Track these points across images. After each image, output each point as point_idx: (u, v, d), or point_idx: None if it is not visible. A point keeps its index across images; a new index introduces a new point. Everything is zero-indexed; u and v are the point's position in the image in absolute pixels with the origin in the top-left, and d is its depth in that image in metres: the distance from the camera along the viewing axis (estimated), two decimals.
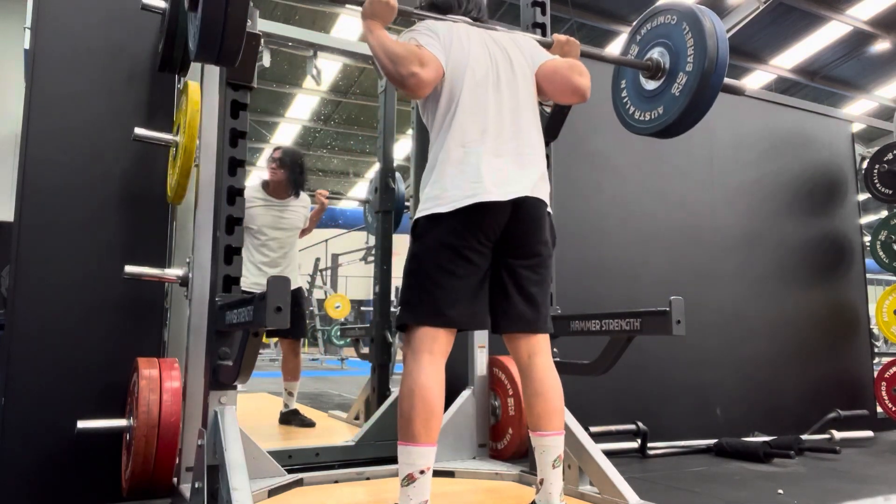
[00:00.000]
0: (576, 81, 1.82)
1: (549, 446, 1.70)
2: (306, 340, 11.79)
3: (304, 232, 3.81)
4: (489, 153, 1.72)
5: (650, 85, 2.26)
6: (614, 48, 11.42)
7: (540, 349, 1.78)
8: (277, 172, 3.57)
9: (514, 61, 1.85)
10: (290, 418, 3.60)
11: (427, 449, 1.57)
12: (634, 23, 2.35)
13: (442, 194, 1.69)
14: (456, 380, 2.83)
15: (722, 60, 2.00)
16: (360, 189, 17.57)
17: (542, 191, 1.79)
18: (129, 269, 2.20)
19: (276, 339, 11.46)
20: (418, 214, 1.75)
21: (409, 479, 1.55)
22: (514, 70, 1.84)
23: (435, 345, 1.66)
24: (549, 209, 1.82)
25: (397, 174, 3.78)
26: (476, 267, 1.69)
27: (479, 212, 1.66)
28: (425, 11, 1.91)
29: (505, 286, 1.76)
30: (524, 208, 1.72)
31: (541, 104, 2.48)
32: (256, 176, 3.71)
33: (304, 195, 3.73)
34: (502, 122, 1.77)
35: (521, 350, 1.79)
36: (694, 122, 2.15)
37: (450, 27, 1.82)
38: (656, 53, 2.22)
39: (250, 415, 3.48)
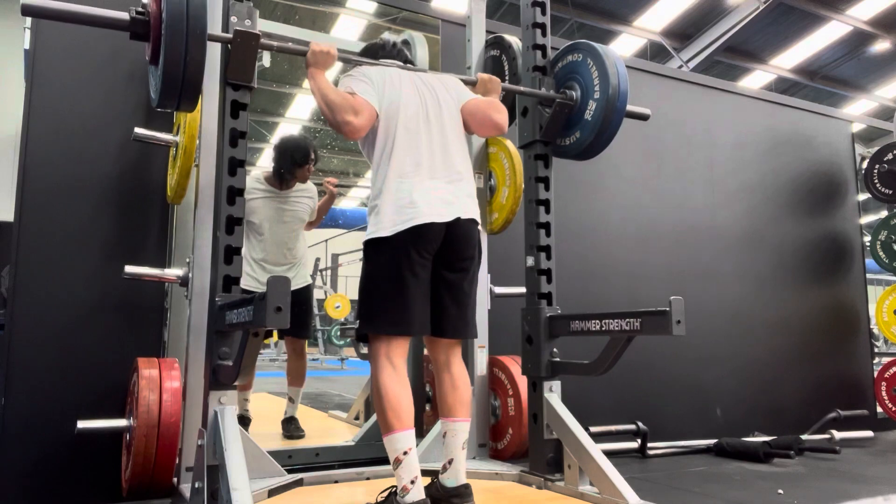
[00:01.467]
0: (495, 118, 2.09)
1: (460, 430, 1.96)
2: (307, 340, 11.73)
3: (310, 224, 3.48)
4: (423, 182, 1.94)
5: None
6: (615, 48, 11.40)
7: (457, 350, 2.04)
8: (311, 169, 3.30)
9: (441, 99, 2.08)
10: (285, 427, 3.30)
11: (402, 434, 1.79)
12: (555, 54, 2.57)
13: (384, 220, 1.90)
14: None
15: (623, 89, 2.32)
16: (361, 189, 17.58)
17: (473, 211, 2.01)
18: (129, 269, 2.20)
19: (276, 339, 11.47)
20: (365, 238, 1.96)
21: (397, 462, 1.78)
22: (442, 106, 2.06)
23: (391, 349, 1.88)
24: (479, 226, 2.04)
25: None
26: (421, 279, 1.90)
27: (417, 232, 1.88)
28: (363, 57, 2.16)
29: (441, 297, 1.97)
30: (457, 229, 1.94)
31: (541, 105, 2.52)
32: (259, 172, 3.38)
33: (309, 184, 3.40)
34: (433, 153, 1.99)
35: (440, 351, 2.02)
36: (607, 141, 2.42)
37: (382, 71, 2.04)
38: (568, 87, 2.48)
39: (251, 415, 3.46)
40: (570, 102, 2.44)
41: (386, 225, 1.89)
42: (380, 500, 1.87)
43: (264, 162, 14.71)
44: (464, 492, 1.90)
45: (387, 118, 1.97)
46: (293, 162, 3.26)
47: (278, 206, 3.26)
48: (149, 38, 1.77)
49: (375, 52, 2.20)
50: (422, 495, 1.77)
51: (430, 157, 1.98)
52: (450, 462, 1.94)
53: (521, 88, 2.51)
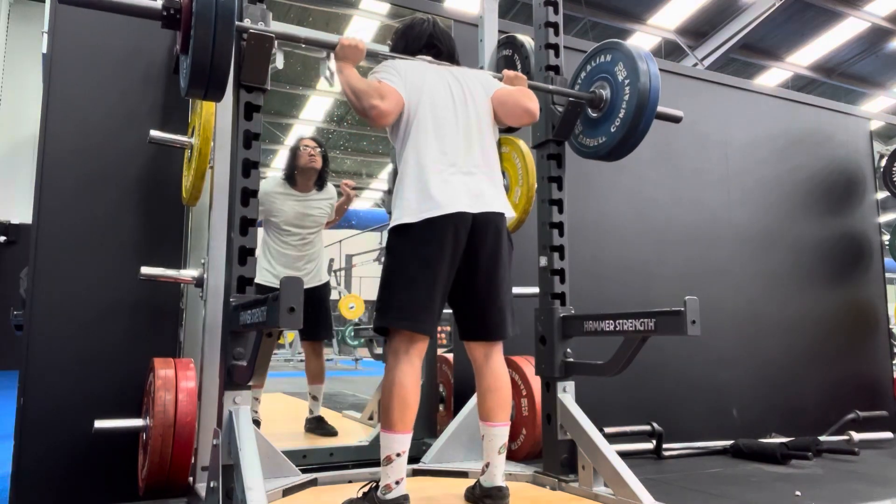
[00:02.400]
0: (526, 104, 2.05)
1: (497, 435, 1.94)
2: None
3: (328, 224, 3.60)
4: (450, 171, 1.91)
5: (594, 114, 2.47)
6: None
7: (496, 350, 2.00)
8: (317, 159, 3.39)
9: (471, 89, 2.06)
10: (314, 426, 3.41)
11: (402, 436, 1.80)
12: (585, 55, 2.54)
13: (408, 207, 1.87)
14: (469, 380, 2.83)
15: (654, 89, 2.26)
16: (375, 190, 17.63)
17: (501, 204, 1.98)
18: (145, 270, 2.22)
19: (290, 339, 11.55)
20: (390, 226, 1.93)
21: (388, 461, 1.78)
22: (469, 97, 2.04)
23: (410, 346, 1.85)
24: (507, 221, 2.00)
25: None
26: (440, 275, 1.85)
27: (443, 222, 1.84)
28: (394, 52, 2.14)
29: (469, 297, 1.95)
30: (484, 222, 1.90)
31: (554, 104, 2.50)
32: (271, 177, 3.51)
33: (329, 187, 3.54)
34: (460, 143, 1.96)
35: (478, 351, 1.99)
36: (632, 147, 2.38)
37: (408, 63, 2.04)
38: (599, 87, 2.44)
39: (266, 415, 3.48)
40: (581, 101, 2.43)
41: (410, 212, 1.86)
42: (359, 496, 1.88)
43: (278, 163, 14.80)
44: (496, 493, 1.91)
45: (413, 105, 1.96)
46: (291, 157, 3.41)
47: (300, 209, 3.38)
48: (179, 26, 1.78)
49: (404, 31, 2.18)
50: (402, 492, 1.78)
51: (456, 147, 1.95)
52: (487, 465, 1.94)
53: (550, 87, 2.46)
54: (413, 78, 1.98)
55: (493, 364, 1.98)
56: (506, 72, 2.25)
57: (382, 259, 2.09)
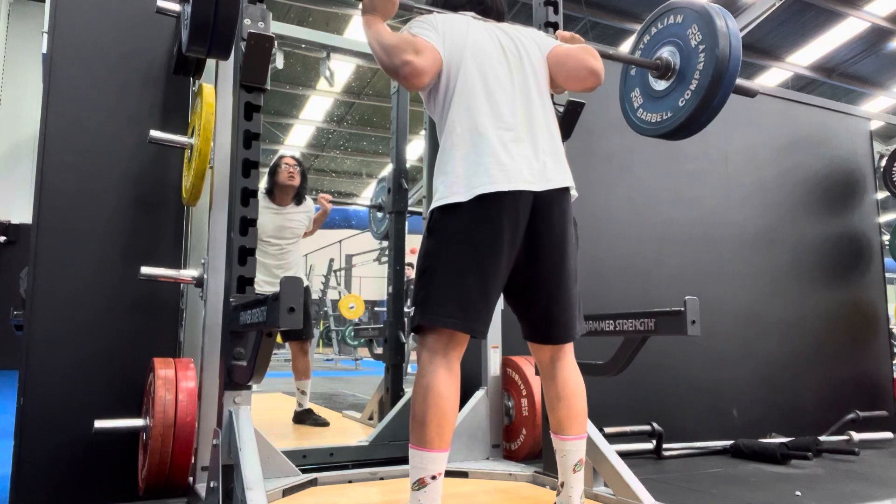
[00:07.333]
0: (591, 63, 1.76)
1: (570, 450, 1.68)
2: (321, 340, 11.85)
3: (307, 234, 3.86)
4: (507, 136, 1.64)
5: (659, 85, 2.24)
6: (627, 47, 11.36)
7: (564, 353, 1.74)
8: (296, 177, 3.63)
9: (525, 45, 1.79)
10: (304, 418, 3.63)
11: (440, 455, 1.52)
12: (645, 20, 2.34)
13: (456, 182, 1.59)
14: (469, 380, 2.83)
15: (734, 61, 1.99)
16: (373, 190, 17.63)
17: (565, 178, 1.70)
18: (145, 270, 2.23)
19: (280, 341, 11.58)
20: (432, 205, 1.66)
21: (421, 484, 1.50)
22: (524, 52, 1.77)
23: (450, 347, 1.58)
24: (572, 193, 1.74)
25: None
26: (495, 267, 1.58)
27: (499, 201, 1.56)
28: (432, 6, 1.89)
29: (538, 293, 1.68)
30: (548, 202, 1.63)
31: (554, 103, 2.48)
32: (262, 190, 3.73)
33: (307, 201, 3.79)
34: (516, 104, 1.69)
35: (543, 353, 1.74)
36: (704, 123, 2.13)
37: (447, 17, 1.78)
38: (666, 53, 2.20)
39: (265, 415, 3.49)
40: (581, 103, 2.42)
41: (459, 189, 1.57)
42: None
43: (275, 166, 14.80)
44: None
45: (455, 64, 1.68)
46: (271, 174, 3.66)
47: (278, 220, 3.61)
48: None
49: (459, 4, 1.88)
50: None
51: (514, 110, 1.67)
52: (562, 485, 1.70)
53: (611, 52, 2.25)
54: (454, 33, 1.71)
55: (563, 370, 1.72)
56: (560, 33, 2.01)
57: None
